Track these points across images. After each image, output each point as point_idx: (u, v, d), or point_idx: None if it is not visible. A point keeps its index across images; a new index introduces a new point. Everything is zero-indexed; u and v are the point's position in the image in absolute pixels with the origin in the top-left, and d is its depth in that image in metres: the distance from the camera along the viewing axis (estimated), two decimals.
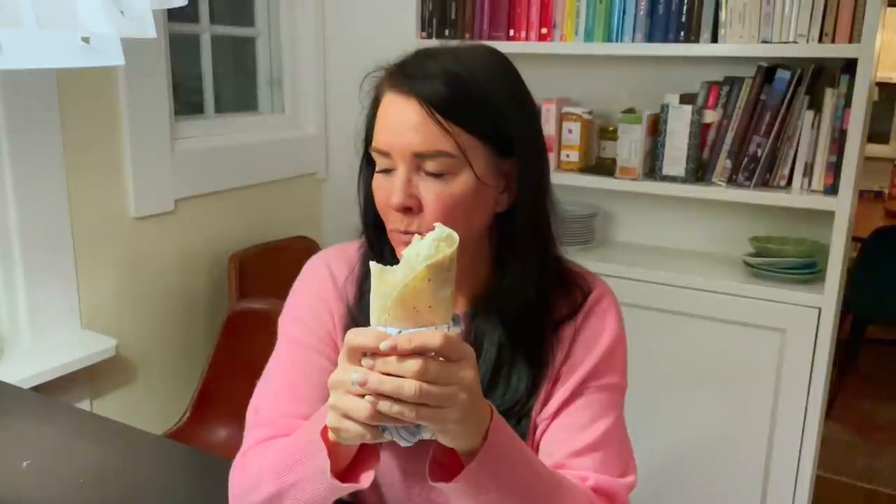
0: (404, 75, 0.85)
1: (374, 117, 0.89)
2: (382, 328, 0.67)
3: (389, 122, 0.85)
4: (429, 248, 0.67)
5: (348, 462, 0.80)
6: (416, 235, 0.70)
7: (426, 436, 0.70)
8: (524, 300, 0.91)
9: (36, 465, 1.11)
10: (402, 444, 0.71)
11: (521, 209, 0.90)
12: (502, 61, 0.91)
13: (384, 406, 0.65)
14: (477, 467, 0.73)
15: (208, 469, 1.17)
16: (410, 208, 0.84)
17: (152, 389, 2.13)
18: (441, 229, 0.69)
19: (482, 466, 0.73)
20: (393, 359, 0.65)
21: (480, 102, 0.85)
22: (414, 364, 0.64)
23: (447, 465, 0.76)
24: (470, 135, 0.84)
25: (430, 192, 0.84)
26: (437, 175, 0.84)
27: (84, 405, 1.93)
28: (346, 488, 0.79)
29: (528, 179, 0.89)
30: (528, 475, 0.79)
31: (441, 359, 0.66)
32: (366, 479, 0.80)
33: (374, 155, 0.87)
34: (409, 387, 0.64)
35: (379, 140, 0.86)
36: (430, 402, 0.65)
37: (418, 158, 0.83)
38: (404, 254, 0.68)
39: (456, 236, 0.68)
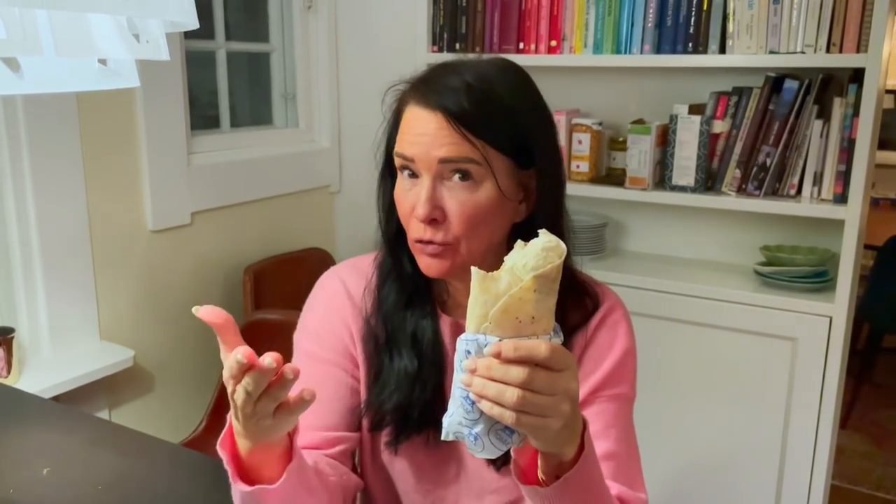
0: (429, 89, 0.87)
1: (396, 128, 0.90)
2: (483, 336, 0.65)
3: (414, 133, 0.86)
4: (536, 257, 0.64)
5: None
6: (520, 241, 0.67)
7: (516, 443, 0.69)
8: None
9: (56, 472, 1.14)
10: (483, 455, 0.69)
11: (540, 219, 0.90)
12: (521, 74, 0.92)
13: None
14: (575, 474, 0.72)
15: (224, 478, 1.19)
16: (435, 219, 0.86)
17: (169, 399, 2.17)
18: (549, 237, 0.66)
19: (579, 475, 0.73)
20: (499, 365, 0.64)
21: (502, 116, 0.86)
22: (521, 373, 0.63)
23: (525, 467, 0.76)
24: (492, 147, 0.85)
25: (454, 200, 0.86)
26: (461, 182, 0.85)
27: (103, 414, 1.96)
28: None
29: (548, 190, 0.91)
30: (603, 493, 0.79)
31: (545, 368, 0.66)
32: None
33: (398, 160, 0.89)
34: (511, 394, 0.63)
35: (404, 148, 0.87)
36: (532, 411, 0.64)
37: (443, 164, 0.85)
38: (507, 260, 0.66)
39: (564, 246, 0.66)
